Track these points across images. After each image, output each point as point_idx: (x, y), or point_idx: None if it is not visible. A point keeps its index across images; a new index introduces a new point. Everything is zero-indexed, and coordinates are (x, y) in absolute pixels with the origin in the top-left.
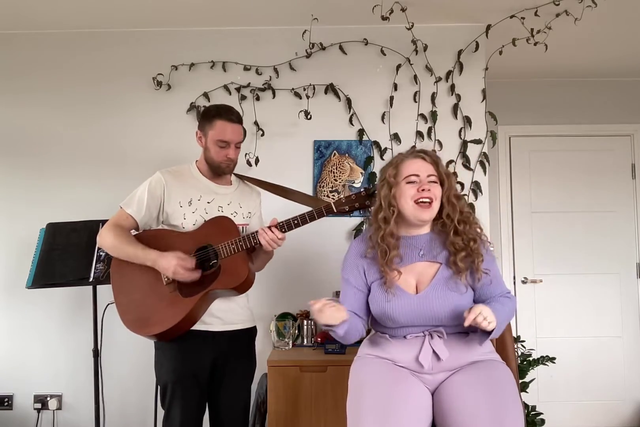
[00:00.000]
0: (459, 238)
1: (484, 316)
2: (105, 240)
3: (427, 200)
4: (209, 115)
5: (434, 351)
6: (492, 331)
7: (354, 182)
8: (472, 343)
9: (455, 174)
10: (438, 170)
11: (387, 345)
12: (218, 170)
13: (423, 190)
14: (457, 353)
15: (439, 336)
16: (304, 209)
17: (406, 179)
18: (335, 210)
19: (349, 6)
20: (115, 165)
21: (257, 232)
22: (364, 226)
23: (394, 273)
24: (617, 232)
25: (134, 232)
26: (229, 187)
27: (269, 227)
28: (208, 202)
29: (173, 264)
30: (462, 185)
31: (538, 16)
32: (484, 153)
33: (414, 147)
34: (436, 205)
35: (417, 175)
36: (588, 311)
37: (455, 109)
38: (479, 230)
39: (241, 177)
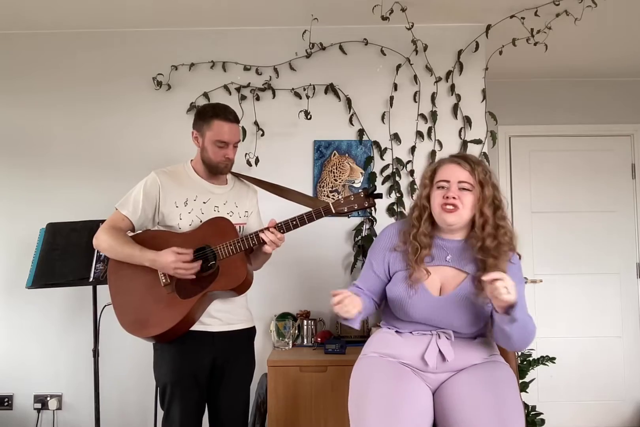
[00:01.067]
0: (486, 255)
1: (506, 285)
2: (102, 242)
3: (451, 207)
4: (206, 115)
5: (440, 351)
6: (512, 311)
7: (354, 182)
8: (484, 344)
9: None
10: (473, 177)
11: (392, 341)
12: (216, 171)
13: (447, 197)
14: (462, 355)
15: (446, 337)
16: (303, 208)
17: (437, 183)
18: (333, 212)
19: (349, 6)
20: (115, 165)
21: (257, 233)
22: (364, 226)
23: (422, 272)
24: (617, 232)
25: (130, 233)
26: (224, 186)
27: (268, 228)
28: (204, 202)
29: (172, 260)
30: None
31: (538, 16)
32: (484, 153)
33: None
34: (464, 212)
35: (447, 181)
36: (588, 311)
37: (455, 109)
38: (506, 248)
39: (238, 176)
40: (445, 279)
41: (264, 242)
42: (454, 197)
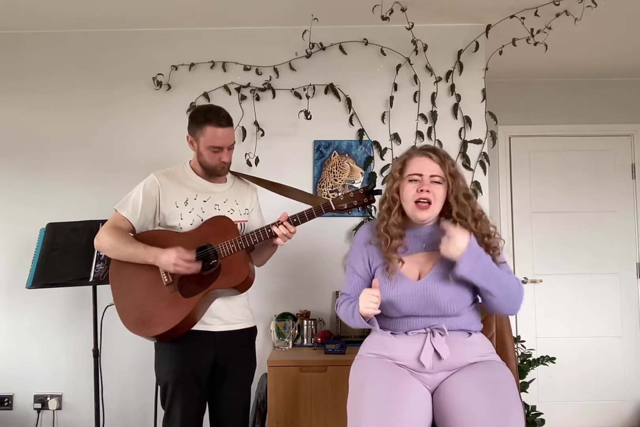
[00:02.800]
0: (476, 235)
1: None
2: (104, 242)
3: (425, 201)
4: (198, 121)
5: (435, 350)
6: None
7: (354, 182)
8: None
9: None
10: (443, 171)
11: (388, 343)
12: (213, 173)
13: (422, 191)
14: (457, 352)
15: (440, 334)
16: (303, 206)
17: (409, 177)
18: (334, 208)
19: (349, 6)
20: (115, 166)
21: (270, 226)
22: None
23: (397, 261)
24: (617, 232)
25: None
26: (224, 185)
27: (281, 222)
28: (204, 201)
29: (173, 257)
30: None
31: (538, 16)
32: (484, 153)
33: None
34: (436, 206)
35: (420, 175)
36: (588, 311)
37: (455, 109)
38: (492, 228)
39: (237, 175)
40: (421, 263)
41: (275, 236)
42: (427, 191)
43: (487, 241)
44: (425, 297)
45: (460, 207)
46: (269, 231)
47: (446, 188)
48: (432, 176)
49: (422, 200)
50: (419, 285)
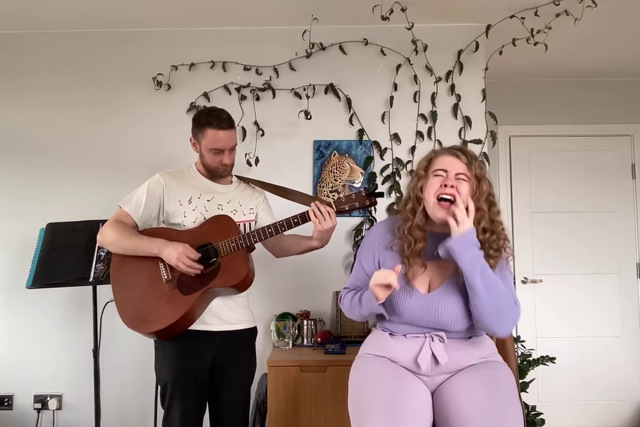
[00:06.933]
0: (484, 248)
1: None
2: (108, 236)
3: (449, 197)
4: (200, 123)
5: (433, 354)
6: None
7: (354, 182)
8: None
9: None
10: (470, 171)
11: (386, 344)
12: (216, 175)
13: (446, 185)
14: (456, 357)
15: (440, 340)
16: (305, 208)
17: (434, 172)
18: (334, 210)
19: (349, 6)
20: (115, 165)
21: (305, 211)
22: (364, 226)
23: (419, 265)
24: (617, 232)
25: None
26: (228, 186)
27: (316, 204)
28: (208, 201)
29: (180, 251)
30: None
31: (538, 16)
32: (484, 153)
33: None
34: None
35: (445, 171)
36: (588, 311)
37: (455, 109)
38: (502, 242)
39: (243, 179)
40: (433, 273)
41: (308, 219)
42: (452, 186)
43: (491, 254)
44: (430, 313)
45: (479, 214)
46: (297, 218)
47: (471, 190)
48: (457, 174)
49: (444, 195)
50: (427, 299)
